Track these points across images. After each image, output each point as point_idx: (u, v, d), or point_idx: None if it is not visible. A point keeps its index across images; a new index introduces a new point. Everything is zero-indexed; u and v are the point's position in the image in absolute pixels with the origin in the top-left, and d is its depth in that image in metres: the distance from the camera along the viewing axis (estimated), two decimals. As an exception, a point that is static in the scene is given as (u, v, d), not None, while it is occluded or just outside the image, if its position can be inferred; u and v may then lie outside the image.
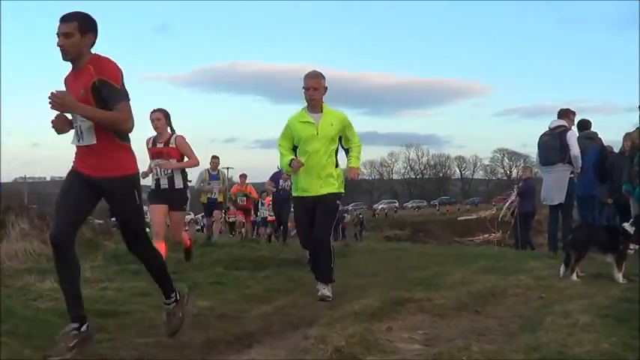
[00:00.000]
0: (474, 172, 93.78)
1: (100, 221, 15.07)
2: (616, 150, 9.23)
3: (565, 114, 8.76)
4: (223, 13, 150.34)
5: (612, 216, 9.53)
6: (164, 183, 6.95)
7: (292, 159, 5.61)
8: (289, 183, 9.40)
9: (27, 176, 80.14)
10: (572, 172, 8.54)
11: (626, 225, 6.21)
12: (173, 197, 6.95)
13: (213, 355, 3.73)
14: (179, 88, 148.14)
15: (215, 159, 12.65)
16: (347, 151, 5.92)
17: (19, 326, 3.96)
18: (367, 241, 26.63)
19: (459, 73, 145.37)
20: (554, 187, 8.63)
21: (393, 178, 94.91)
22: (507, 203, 13.84)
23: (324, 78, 5.67)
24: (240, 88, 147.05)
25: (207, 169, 12.42)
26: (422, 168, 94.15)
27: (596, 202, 9.19)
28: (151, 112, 7.04)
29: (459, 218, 47.57)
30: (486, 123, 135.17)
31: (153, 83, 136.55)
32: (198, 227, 38.20)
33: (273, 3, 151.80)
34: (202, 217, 24.54)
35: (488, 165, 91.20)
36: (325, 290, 5.51)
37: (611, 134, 45.95)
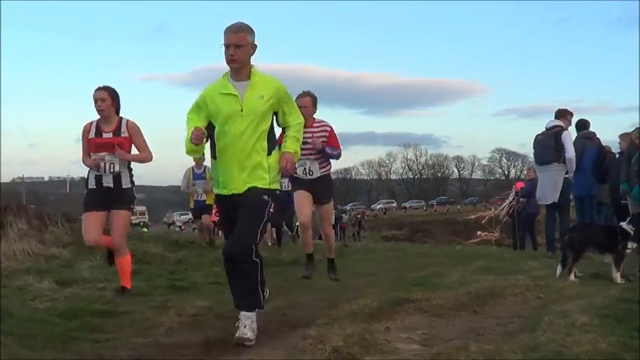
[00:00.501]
0: (472, 172, 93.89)
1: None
2: (614, 150, 9.23)
3: (562, 114, 8.77)
4: (222, 14, 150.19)
5: (610, 216, 9.54)
6: (108, 181, 5.59)
7: (194, 129, 4.08)
8: (287, 183, 8.00)
9: (25, 176, 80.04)
10: (567, 172, 8.56)
11: (624, 224, 6.21)
12: (119, 197, 5.63)
13: (211, 355, 3.73)
14: (177, 89, 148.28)
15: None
16: (283, 131, 4.43)
17: (17, 326, 3.96)
18: (365, 241, 26.64)
19: (458, 74, 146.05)
20: (549, 186, 8.64)
21: (391, 178, 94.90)
22: (505, 203, 13.80)
23: (252, 32, 4.12)
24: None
25: (192, 167, 11.21)
26: (420, 168, 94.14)
27: (594, 202, 9.20)
28: (95, 91, 5.61)
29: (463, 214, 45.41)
30: (484, 123, 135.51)
31: (151, 83, 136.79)
32: (195, 227, 37.76)
33: (273, 3, 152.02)
34: (192, 221, 23.17)
35: (486, 165, 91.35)
36: (246, 324, 3.97)
37: (609, 134, 46.07)
